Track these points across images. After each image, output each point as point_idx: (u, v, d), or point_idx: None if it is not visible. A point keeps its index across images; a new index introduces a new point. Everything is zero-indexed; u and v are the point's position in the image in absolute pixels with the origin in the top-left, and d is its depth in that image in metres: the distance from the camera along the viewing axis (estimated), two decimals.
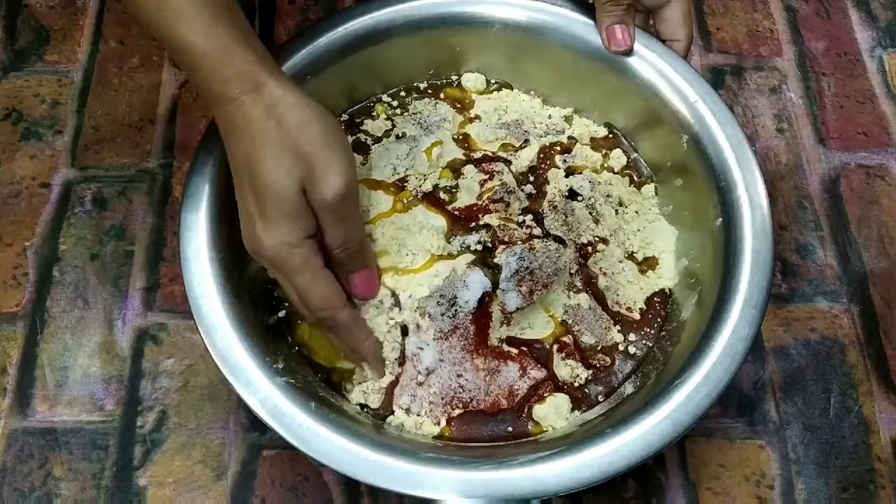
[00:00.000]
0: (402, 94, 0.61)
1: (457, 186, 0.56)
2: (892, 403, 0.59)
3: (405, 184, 0.55)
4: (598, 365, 0.52)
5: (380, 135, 0.59)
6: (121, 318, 0.61)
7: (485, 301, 0.51)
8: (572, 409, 0.50)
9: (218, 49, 0.44)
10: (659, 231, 0.57)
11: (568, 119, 0.61)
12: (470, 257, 0.52)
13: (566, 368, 0.51)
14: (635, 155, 0.60)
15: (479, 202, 0.55)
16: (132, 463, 0.56)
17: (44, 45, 0.73)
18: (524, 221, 0.54)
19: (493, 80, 0.62)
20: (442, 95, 0.61)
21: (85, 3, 0.75)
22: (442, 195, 0.55)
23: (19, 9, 0.75)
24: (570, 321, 0.52)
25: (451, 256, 0.52)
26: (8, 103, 0.70)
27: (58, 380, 0.59)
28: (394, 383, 0.50)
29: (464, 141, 0.59)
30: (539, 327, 0.52)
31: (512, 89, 0.62)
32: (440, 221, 0.54)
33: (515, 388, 0.50)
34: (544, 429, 0.49)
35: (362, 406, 0.50)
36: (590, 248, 0.55)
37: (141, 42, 0.73)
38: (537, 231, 0.54)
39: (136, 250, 0.63)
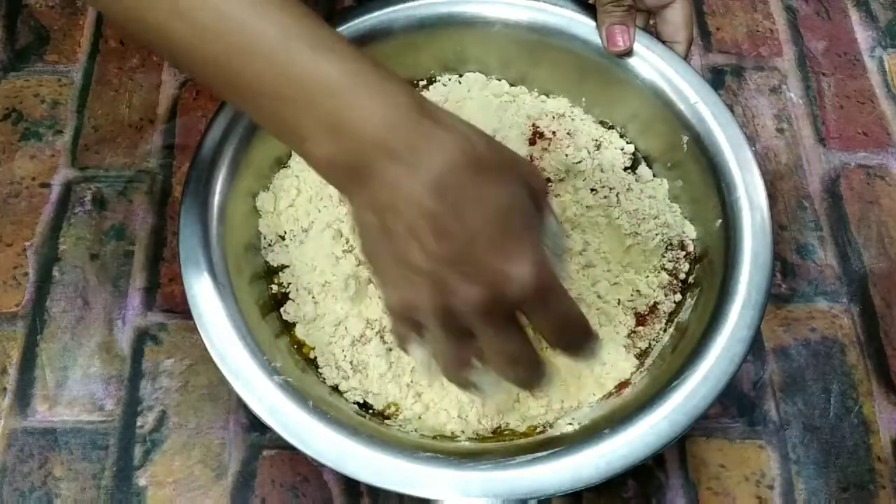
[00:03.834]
0: None
1: None
2: (892, 403, 0.59)
3: None
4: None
5: None
6: (121, 318, 0.61)
7: None
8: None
9: (369, 69, 0.36)
10: None
11: None
12: None
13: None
14: (635, 155, 0.60)
15: None
16: (132, 463, 0.56)
17: (44, 45, 0.73)
18: None
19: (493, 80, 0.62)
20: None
21: (85, 3, 0.75)
22: None
23: (19, 9, 0.75)
24: None
25: None
26: (8, 103, 0.70)
27: (58, 380, 0.59)
28: None
29: None
30: None
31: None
32: None
33: None
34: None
35: (361, 405, 0.50)
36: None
37: None
38: None
39: (136, 250, 0.63)
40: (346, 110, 0.35)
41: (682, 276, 0.54)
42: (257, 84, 0.36)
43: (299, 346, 0.52)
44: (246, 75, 0.36)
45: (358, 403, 0.50)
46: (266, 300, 0.53)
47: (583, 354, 0.41)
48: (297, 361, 0.50)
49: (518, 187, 0.36)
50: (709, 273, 0.51)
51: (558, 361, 0.49)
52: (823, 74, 0.73)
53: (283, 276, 0.54)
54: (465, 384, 0.40)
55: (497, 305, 0.36)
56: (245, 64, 0.36)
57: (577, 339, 0.40)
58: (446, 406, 0.50)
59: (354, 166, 0.36)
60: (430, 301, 0.36)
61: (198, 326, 0.46)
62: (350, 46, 0.36)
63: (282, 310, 0.52)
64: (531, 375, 0.40)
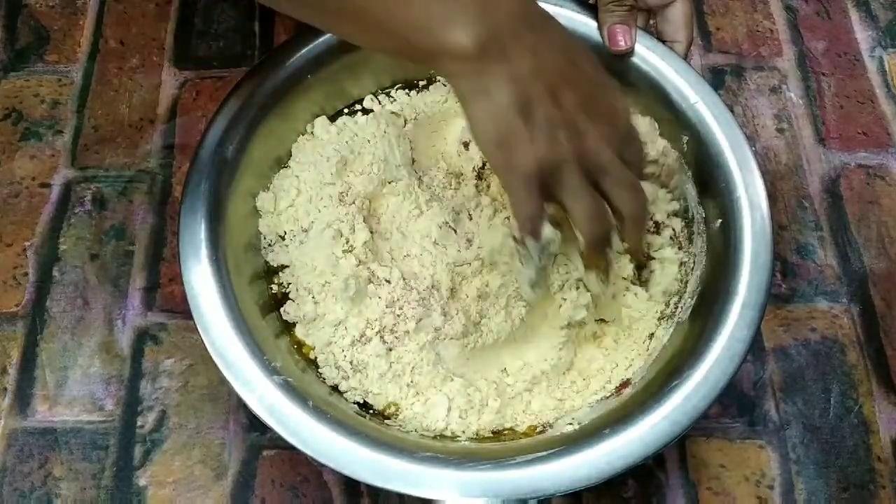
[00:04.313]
0: (406, 91, 0.61)
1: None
2: (892, 403, 0.59)
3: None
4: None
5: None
6: (121, 318, 0.61)
7: None
8: None
9: None
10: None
11: None
12: None
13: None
14: None
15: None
16: (132, 463, 0.56)
17: (44, 45, 0.73)
18: None
19: None
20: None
21: (85, 3, 0.75)
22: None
23: (19, 9, 0.75)
24: None
25: None
26: (8, 103, 0.70)
27: (58, 380, 0.59)
28: None
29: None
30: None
31: None
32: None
33: None
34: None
35: (361, 405, 0.50)
36: None
37: (141, 42, 0.73)
38: None
39: (136, 250, 0.63)
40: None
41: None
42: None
43: (299, 346, 0.52)
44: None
45: (358, 403, 0.50)
46: (266, 300, 0.53)
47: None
48: (297, 361, 0.50)
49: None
50: (709, 273, 0.51)
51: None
52: (823, 74, 0.73)
53: (283, 276, 0.54)
54: (603, 243, 0.46)
55: (617, 134, 0.44)
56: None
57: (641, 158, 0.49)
58: (447, 406, 0.50)
59: (500, 40, 0.41)
60: (571, 147, 0.42)
61: (198, 326, 0.46)
62: None
63: (282, 310, 0.52)
64: (643, 200, 0.46)
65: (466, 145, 0.58)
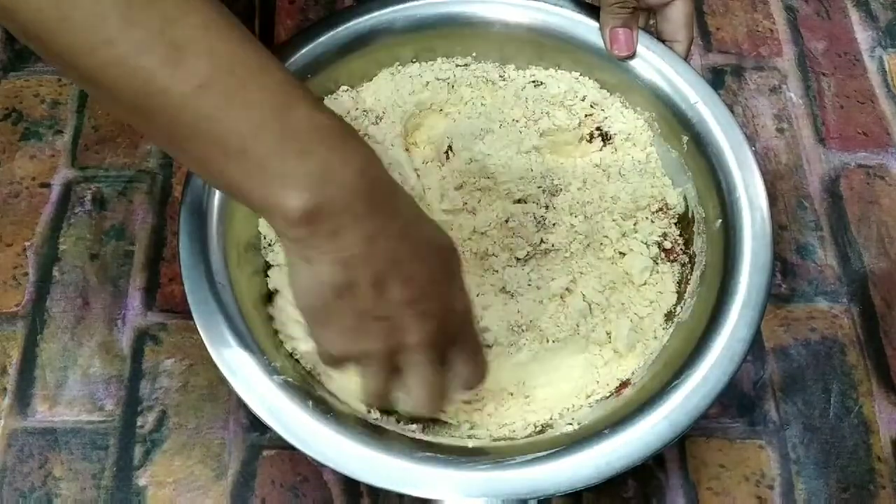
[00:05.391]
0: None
1: None
2: (892, 403, 0.59)
3: None
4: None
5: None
6: (121, 318, 0.61)
7: None
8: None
9: (342, 122, 0.39)
10: None
11: None
12: None
13: None
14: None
15: None
16: (132, 463, 0.56)
17: None
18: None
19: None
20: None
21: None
22: None
23: None
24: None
25: None
26: (8, 103, 0.70)
27: (58, 380, 0.59)
28: None
29: None
30: None
31: None
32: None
33: None
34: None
35: None
36: None
37: None
38: None
39: (136, 250, 0.63)
40: (336, 160, 0.36)
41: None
42: (253, 132, 0.35)
43: None
44: (240, 124, 0.35)
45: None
46: (266, 300, 0.53)
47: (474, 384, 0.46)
48: (296, 361, 0.50)
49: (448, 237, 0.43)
50: (709, 273, 0.51)
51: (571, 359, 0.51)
52: (823, 74, 0.73)
53: (275, 276, 0.53)
54: (383, 406, 0.46)
55: (443, 336, 0.41)
56: (241, 115, 0.35)
57: (481, 371, 0.46)
58: (446, 407, 0.49)
59: (332, 215, 0.36)
60: (383, 344, 0.40)
61: (197, 326, 0.46)
62: (321, 101, 0.40)
63: (269, 309, 0.52)
64: (437, 407, 0.45)
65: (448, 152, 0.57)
